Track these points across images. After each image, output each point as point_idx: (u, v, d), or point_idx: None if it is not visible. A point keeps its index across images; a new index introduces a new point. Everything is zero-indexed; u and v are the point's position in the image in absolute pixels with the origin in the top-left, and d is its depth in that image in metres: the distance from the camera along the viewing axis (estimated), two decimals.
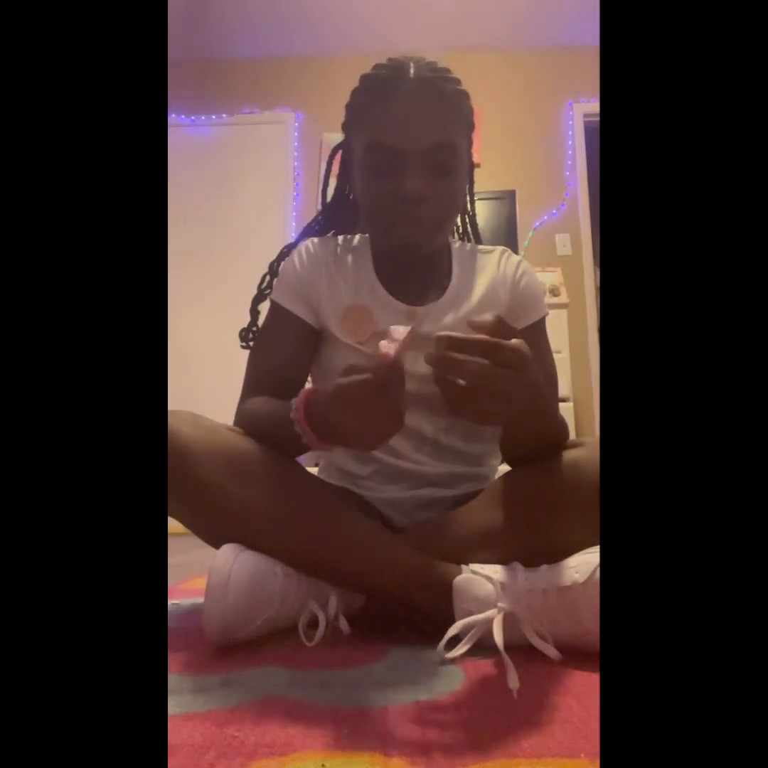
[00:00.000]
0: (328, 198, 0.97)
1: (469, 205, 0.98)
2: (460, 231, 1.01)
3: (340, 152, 0.93)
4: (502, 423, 0.71)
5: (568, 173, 3.53)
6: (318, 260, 0.89)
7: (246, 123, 3.61)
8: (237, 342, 0.93)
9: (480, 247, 0.97)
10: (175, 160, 3.47)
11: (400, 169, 0.78)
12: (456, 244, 0.95)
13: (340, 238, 0.95)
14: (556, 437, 0.75)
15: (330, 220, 0.96)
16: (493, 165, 3.51)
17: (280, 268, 0.92)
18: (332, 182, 0.98)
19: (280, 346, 0.87)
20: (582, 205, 3.47)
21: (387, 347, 0.55)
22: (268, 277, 0.94)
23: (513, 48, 3.55)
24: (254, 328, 0.92)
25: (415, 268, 0.89)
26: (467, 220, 1.00)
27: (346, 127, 0.88)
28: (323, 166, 3.74)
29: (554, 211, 3.48)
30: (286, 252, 0.94)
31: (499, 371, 0.52)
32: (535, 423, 0.70)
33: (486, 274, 0.92)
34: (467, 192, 0.94)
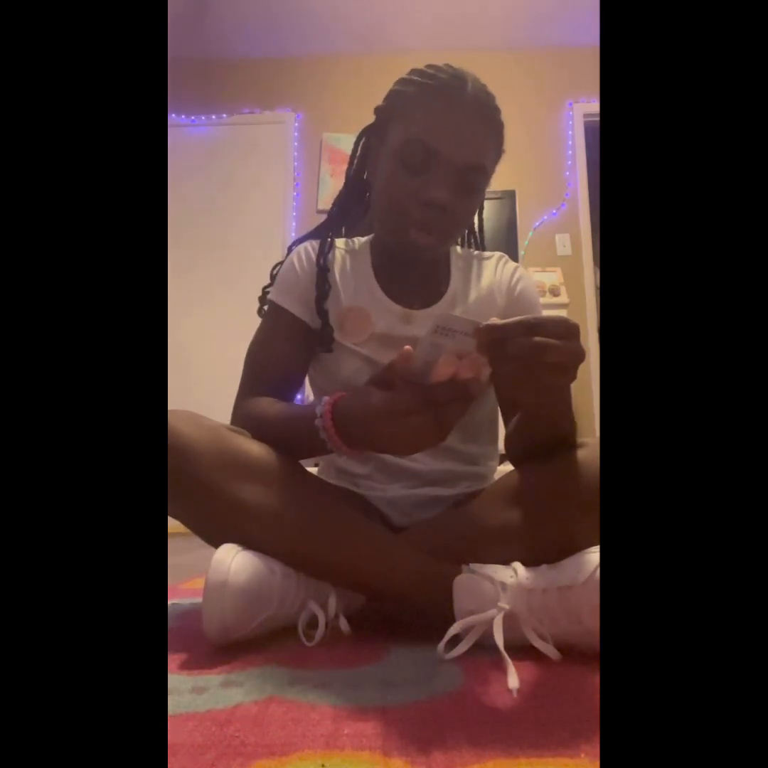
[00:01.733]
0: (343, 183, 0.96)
1: (476, 221, 0.99)
2: (463, 239, 1.02)
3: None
4: (558, 398, 0.70)
5: (568, 173, 3.53)
6: (323, 261, 0.89)
7: (246, 123, 3.61)
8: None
9: (478, 253, 0.98)
10: (175, 160, 3.47)
11: (431, 173, 0.79)
12: (455, 250, 0.96)
13: (339, 241, 0.95)
14: (570, 432, 0.75)
15: (344, 204, 0.95)
16: None
17: (280, 269, 0.92)
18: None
19: (279, 345, 0.87)
20: (582, 205, 3.47)
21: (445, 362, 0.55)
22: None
23: (513, 48, 3.55)
24: None
25: (413, 271, 0.89)
26: (475, 233, 1.02)
27: (383, 111, 0.87)
28: (324, 165, 3.74)
29: (554, 211, 3.48)
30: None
31: (552, 342, 0.50)
32: (562, 410, 0.71)
33: (483, 280, 0.93)
34: (477, 216, 0.97)
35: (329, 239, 0.92)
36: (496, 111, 0.82)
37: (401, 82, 0.84)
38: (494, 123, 0.82)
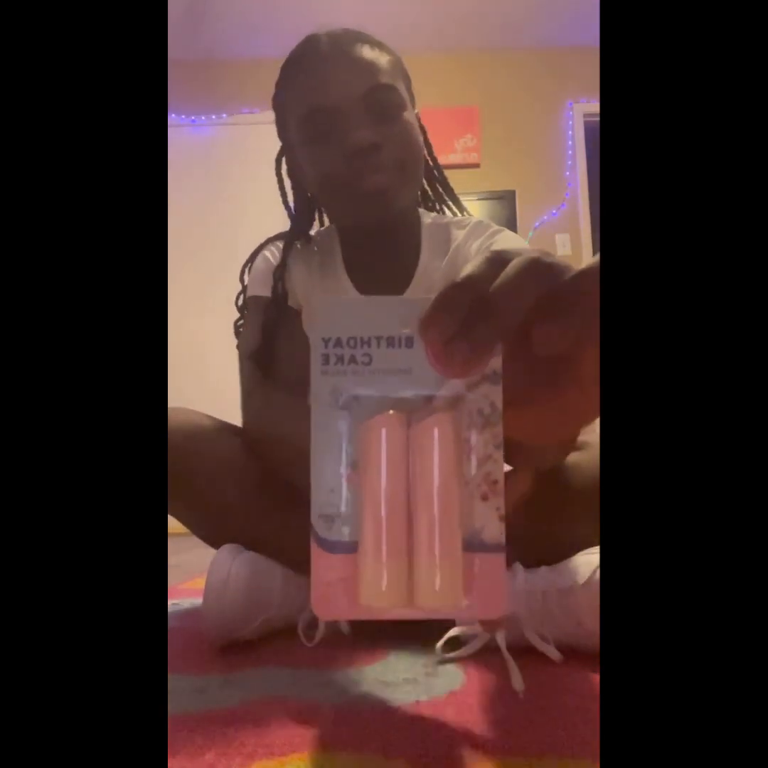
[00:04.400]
0: (291, 208, 0.91)
1: (435, 171, 0.88)
2: (433, 200, 0.90)
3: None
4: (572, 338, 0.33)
5: (568, 173, 3.53)
6: (287, 251, 0.86)
7: (246, 123, 3.61)
8: (235, 340, 0.92)
9: (454, 219, 0.86)
10: (175, 160, 3.47)
11: (341, 126, 0.71)
12: (427, 219, 0.85)
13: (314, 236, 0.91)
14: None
15: (299, 228, 0.90)
16: (493, 165, 3.51)
17: (251, 269, 0.88)
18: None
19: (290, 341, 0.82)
20: (582, 205, 3.47)
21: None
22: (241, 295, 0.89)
23: (513, 48, 3.55)
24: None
25: (381, 252, 0.81)
26: (438, 187, 0.89)
27: (278, 127, 0.82)
28: None
29: (554, 211, 3.48)
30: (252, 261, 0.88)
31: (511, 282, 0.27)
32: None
33: (455, 251, 0.81)
34: (428, 155, 0.86)
35: (290, 244, 0.87)
36: (363, 35, 0.76)
37: (275, 91, 0.80)
38: (367, 42, 0.75)
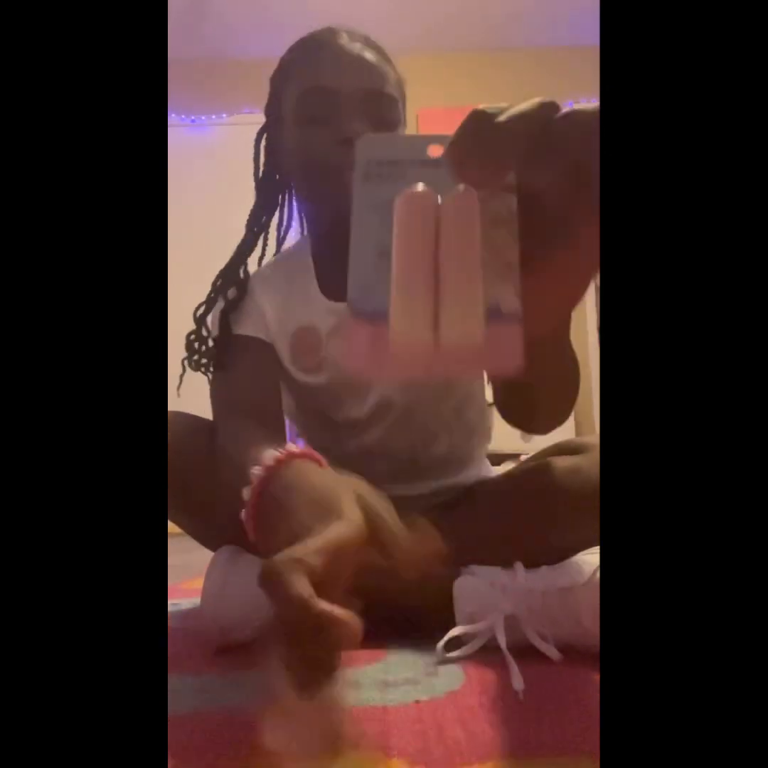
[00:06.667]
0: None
1: None
2: None
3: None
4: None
5: None
6: (258, 278, 0.83)
7: (246, 123, 3.61)
8: None
9: None
10: (175, 160, 3.46)
11: (338, 114, 0.72)
12: None
13: (278, 255, 0.88)
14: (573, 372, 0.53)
15: (263, 211, 0.87)
16: None
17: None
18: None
19: (248, 376, 0.77)
20: None
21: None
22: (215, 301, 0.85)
23: (513, 48, 3.55)
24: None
25: None
26: None
27: (271, 99, 0.80)
28: None
29: None
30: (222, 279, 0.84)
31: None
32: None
33: None
34: None
35: (246, 262, 0.85)
36: (378, 46, 0.78)
37: (278, 66, 0.80)
38: (376, 50, 0.77)
